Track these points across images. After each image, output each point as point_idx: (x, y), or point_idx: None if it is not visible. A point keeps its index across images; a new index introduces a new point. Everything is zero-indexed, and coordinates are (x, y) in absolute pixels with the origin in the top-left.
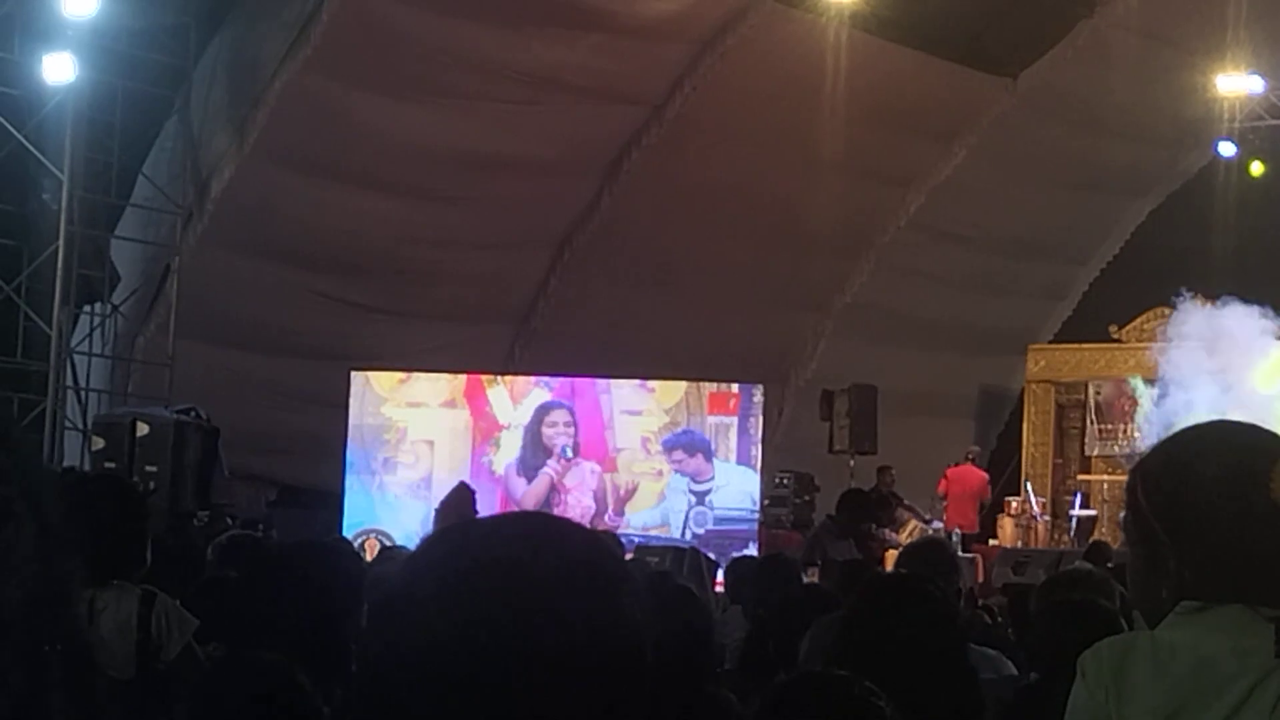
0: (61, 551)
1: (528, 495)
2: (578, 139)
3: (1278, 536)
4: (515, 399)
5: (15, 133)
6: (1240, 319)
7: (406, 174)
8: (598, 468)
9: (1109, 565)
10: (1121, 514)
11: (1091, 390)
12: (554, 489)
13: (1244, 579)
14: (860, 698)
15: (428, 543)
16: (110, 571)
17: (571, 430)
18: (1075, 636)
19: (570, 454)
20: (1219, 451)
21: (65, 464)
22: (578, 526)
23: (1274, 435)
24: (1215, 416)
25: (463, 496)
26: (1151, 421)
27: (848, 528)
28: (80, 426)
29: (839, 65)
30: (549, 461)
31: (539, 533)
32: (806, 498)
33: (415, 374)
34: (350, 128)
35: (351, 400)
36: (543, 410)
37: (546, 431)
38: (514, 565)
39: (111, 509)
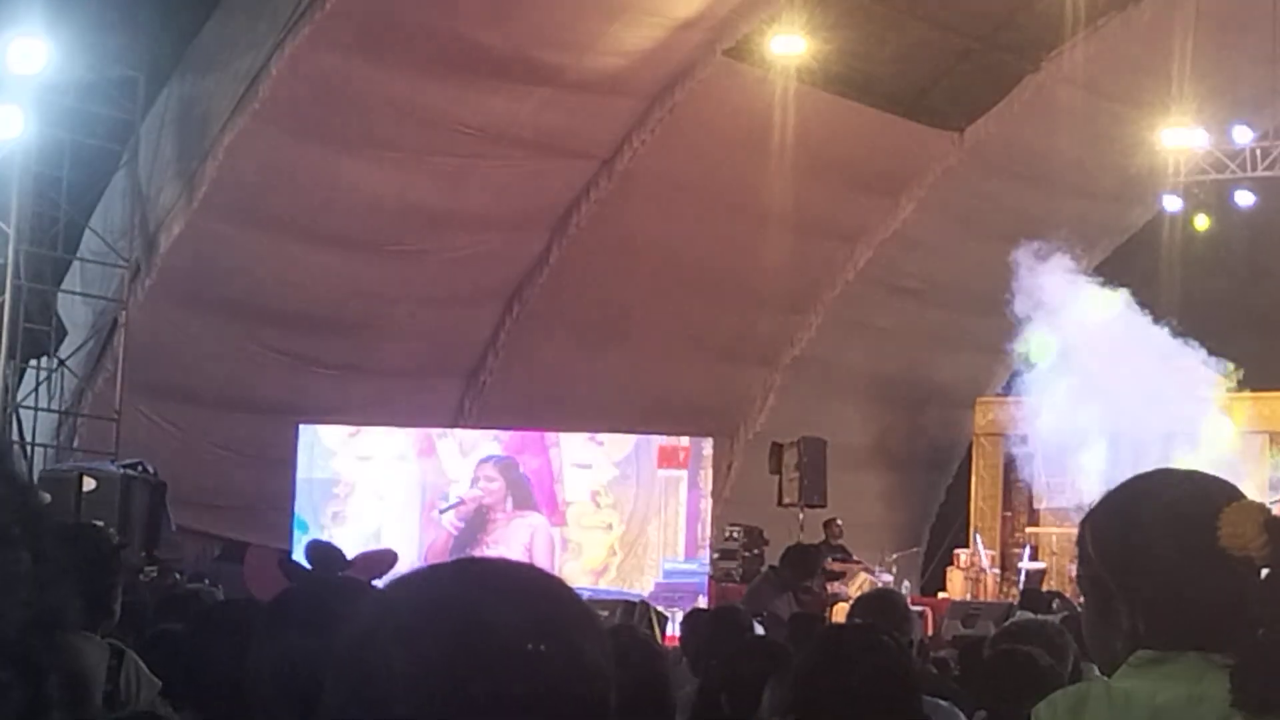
0: (57, 578)
1: (428, 552)
2: (527, 193)
3: (1228, 583)
4: (465, 452)
5: None
6: (1054, 271)
7: (356, 228)
8: (540, 521)
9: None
10: (1069, 565)
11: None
12: (460, 544)
13: (1196, 627)
14: None
15: (391, 587)
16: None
17: (495, 485)
18: (1015, 685)
19: (450, 498)
20: (1166, 500)
21: None
22: (539, 571)
23: (1221, 481)
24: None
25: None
26: (1036, 412)
27: (790, 582)
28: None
29: (787, 120)
30: (448, 512)
31: (501, 578)
32: (756, 551)
33: (365, 428)
34: (299, 182)
35: (300, 454)
36: (478, 464)
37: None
38: (476, 611)
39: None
